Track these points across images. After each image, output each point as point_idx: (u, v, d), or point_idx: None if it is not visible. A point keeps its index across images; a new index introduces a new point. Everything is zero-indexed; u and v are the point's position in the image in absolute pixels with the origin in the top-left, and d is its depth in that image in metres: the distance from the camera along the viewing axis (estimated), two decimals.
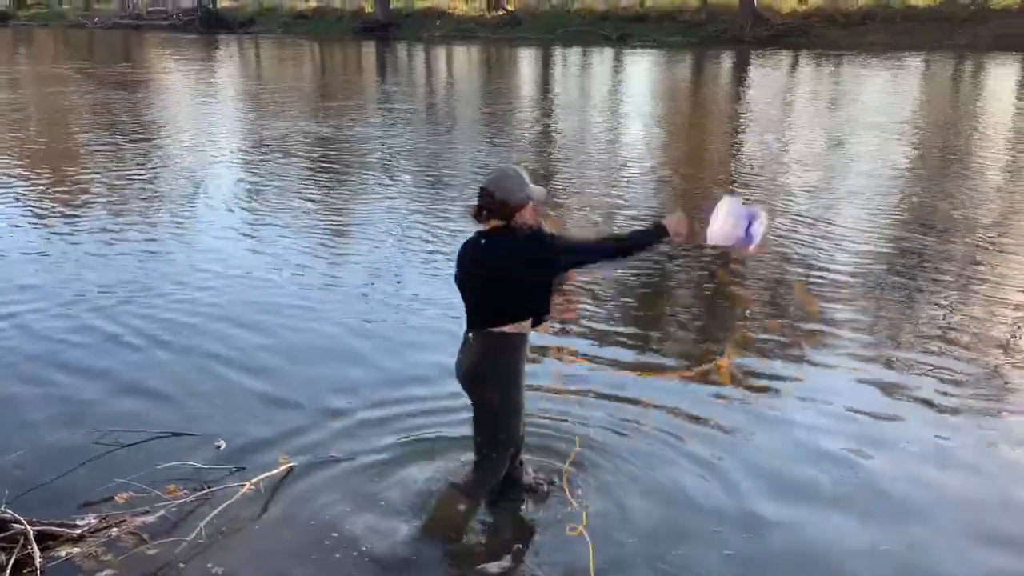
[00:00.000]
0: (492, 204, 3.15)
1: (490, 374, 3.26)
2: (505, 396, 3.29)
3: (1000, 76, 22.26)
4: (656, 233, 3.18)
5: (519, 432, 3.45)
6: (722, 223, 3.22)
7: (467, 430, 3.95)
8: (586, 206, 8.94)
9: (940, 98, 18.44)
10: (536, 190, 3.22)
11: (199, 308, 6.01)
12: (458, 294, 3.35)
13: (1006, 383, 4.86)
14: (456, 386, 3.42)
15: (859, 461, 4.03)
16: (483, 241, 3.22)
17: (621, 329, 5.65)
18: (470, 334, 3.29)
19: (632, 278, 6.55)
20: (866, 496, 3.78)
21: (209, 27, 43.15)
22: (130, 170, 10.71)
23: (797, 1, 34.11)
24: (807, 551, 3.44)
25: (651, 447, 4.13)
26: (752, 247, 3.22)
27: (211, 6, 47.32)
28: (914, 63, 24.22)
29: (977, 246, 7.41)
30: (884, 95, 18.46)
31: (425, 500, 3.66)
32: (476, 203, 3.21)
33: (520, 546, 3.43)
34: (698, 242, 3.00)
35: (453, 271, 3.36)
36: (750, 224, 3.18)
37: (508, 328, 3.21)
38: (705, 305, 6.21)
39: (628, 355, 5.24)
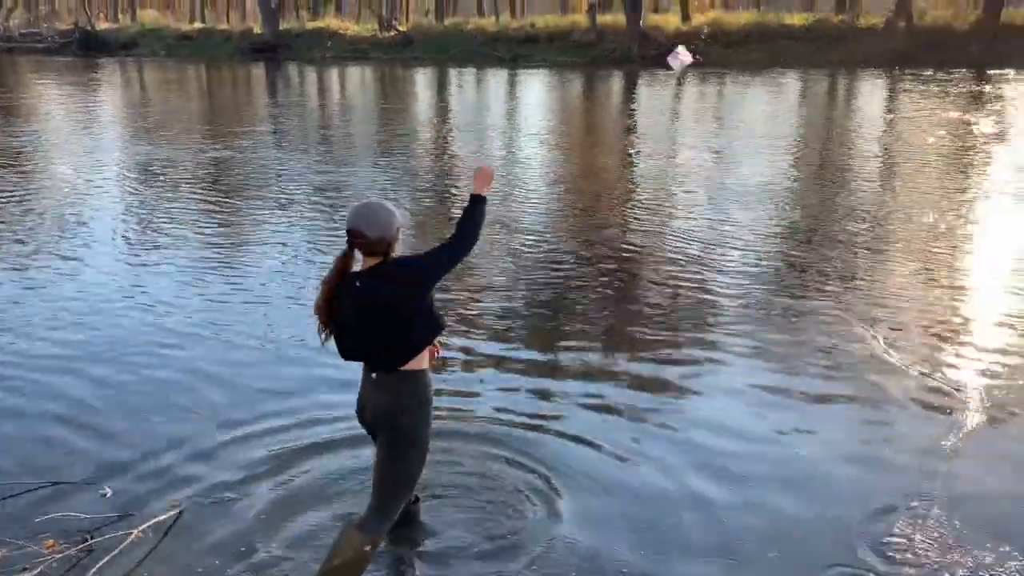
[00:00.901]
0: (367, 243, 3.07)
1: (410, 411, 3.15)
2: (423, 432, 3.21)
3: (869, 91, 23.60)
4: (473, 199, 3.20)
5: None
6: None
7: (351, 455, 3.88)
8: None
9: (817, 112, 19.40)
10: (400, 216, 3.18)
11: (68, 347, 5.75)
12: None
13: (879, 388, 5.11)
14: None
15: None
16: (358, 283, 3.10)
17: (514, 344, 5.70)
18: (374, 375, 3.19)
19: (525, 304, 6.64)
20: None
21: (88, 50, 41.53)
22: None
23: (680, 21, 35.33)
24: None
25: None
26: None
27: (89, 28, 45.49)
28: (792, 79, 25.43)
29: (855, 255, 7.79)
30: (765, 110, 19.31)
31: (319, 536, 3.58)
32: (346, 247, 3.10)
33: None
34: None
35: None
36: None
37: (413, 365, 3.14)
38: (597, 318, 6.32)
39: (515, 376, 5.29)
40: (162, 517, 3.73)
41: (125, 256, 7.99)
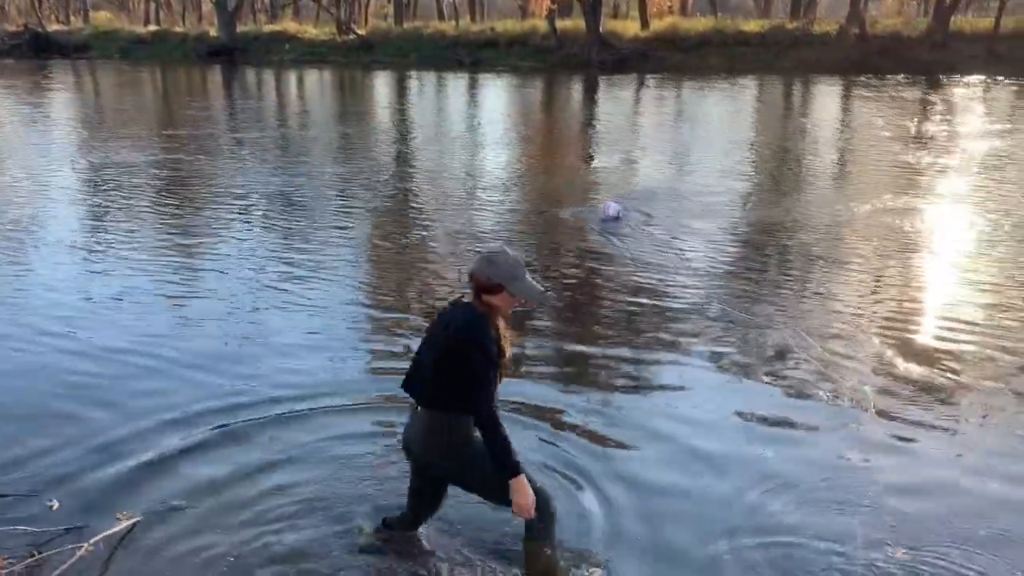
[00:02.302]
0: (470, 274, 3.13)
1: (440, 450, 3.16)
2: (465, 461, 3.16)
3: (822, 97, 24.01)
4: (505, 468, 3.05)
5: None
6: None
7: (310, 463, 3.86)
8: (448, 232, 8.94)
9: (772, 117, 19.68)
10: (526, 287, 3.07)
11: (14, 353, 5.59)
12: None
13: (837, 392, 5.18)
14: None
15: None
16: (449, 307, 3.17)
17: None
18: (419, 408, 3.18)
19: None
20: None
21: (38, 52, 40.62)
22: None
23: (639, 27, 35.62)
24: None
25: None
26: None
27: (40, 30, 44.51)
28: (749, 85, 25.77)
29: (812, 259, 7.90)
30: (723, 114, 19.54)
31: (272, 548, 3.53)
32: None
33: None
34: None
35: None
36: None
37: (456, 416, 3.09)
38: (562, 324, 6.32)
39: None
40: (115, 529, 3.63)
41: (74, 259, 7.81)
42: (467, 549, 3.54)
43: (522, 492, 3.05)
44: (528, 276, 3.10)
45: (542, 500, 3.16)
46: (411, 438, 3.23)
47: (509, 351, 3.15)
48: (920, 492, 4.04)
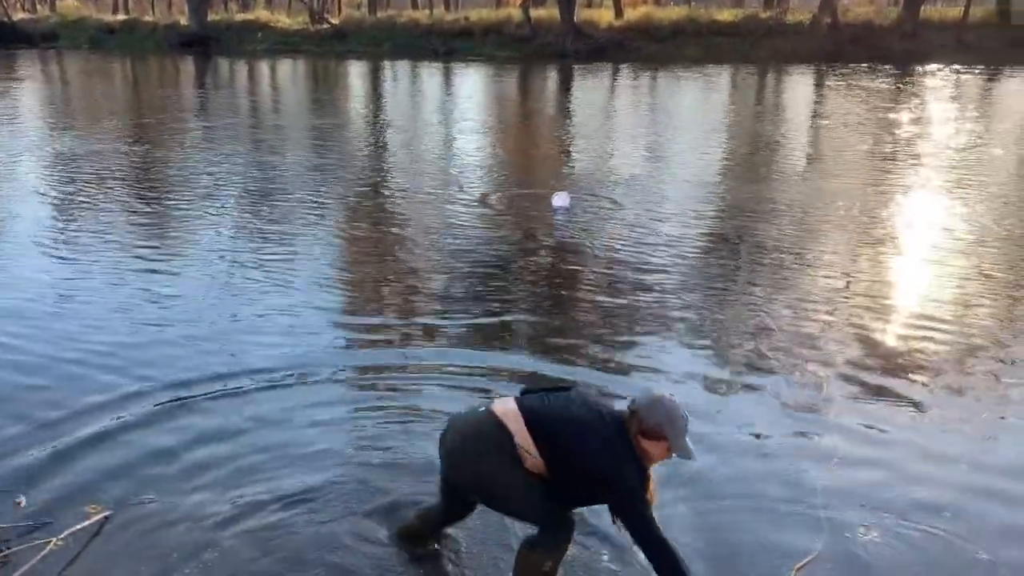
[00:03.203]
0: (631, 411, 2.94)
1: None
2: (501, 483, 3.03)
3: (796, 84, 24.17)
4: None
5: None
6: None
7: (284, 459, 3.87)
8: (417, 221, 8.93)
9: (747, 105, 19.78)
10: (683, 445, 2.89)
11: None
12: None
13: (816, 380, 5.24)
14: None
15: None
16: (585, 402, 3.03)
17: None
18: (483, 422, 3.02)
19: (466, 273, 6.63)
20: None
21: (4, 41, 39.82)
22: None
23: (613, 16, 35.60)
24: None
25: None
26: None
27: (5, 19, 43.66)
28: (722, 74, 25.87)
29: (784, 248, 7.97)
30: (697, 103, 19.61)
31: (250, 537, 3.52)
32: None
33: None
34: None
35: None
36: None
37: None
38: (549, 308, 6.33)
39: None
40: (85, 523, 3.60)
41: (45, 254, 7.71)
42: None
43: None
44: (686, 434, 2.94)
45: (558, 517, 3.03)
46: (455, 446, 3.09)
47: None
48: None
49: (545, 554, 3.00)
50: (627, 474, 2.87)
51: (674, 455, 2.92)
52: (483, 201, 9.88)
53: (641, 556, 2.99)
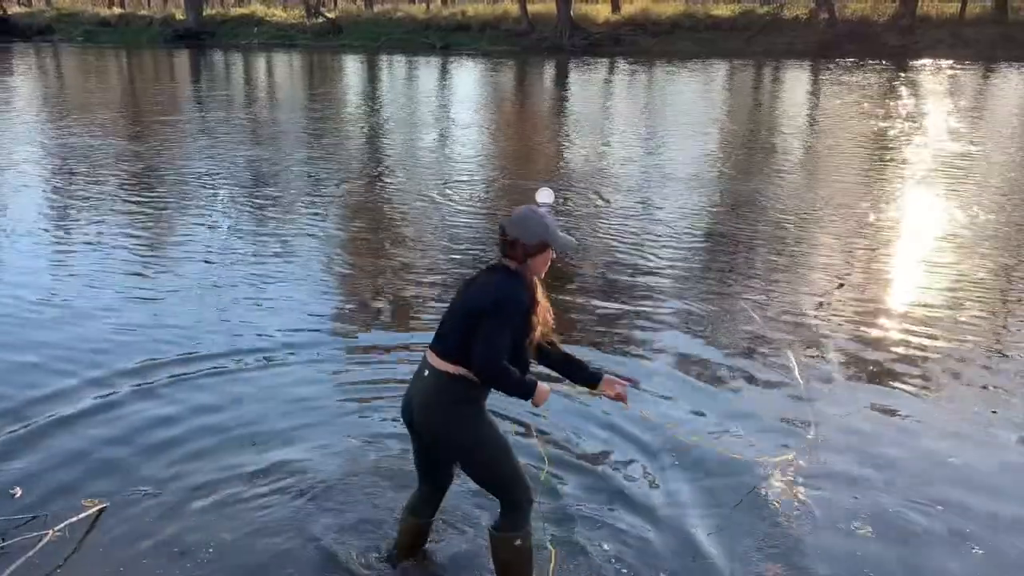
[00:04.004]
0: (505, 242, 2.95)
1: (440, 409, 2.96)
2: (471, 434, 2.99)
3: (793, 80, 24.16)
4: (521, 387, 2.93)
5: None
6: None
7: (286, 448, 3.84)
8: (419, 219, 8.92)
9: (744, 100, 19.77)
10: (564, 240, 2.99)
11: None
12: None
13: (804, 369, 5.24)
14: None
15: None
16: (482, 271, 3.04)
17: None
18: (425, 372, 2.99)
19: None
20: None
21: None
22: None
23: (610, 11, 35.55)
24: None
25: None
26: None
27: (0, 12, 43.50)
28: (719, 69, 25.85)
29: (778, 246, 7.96)
30: (694, 98, 19.59)
31: (244, 531, 3.52)
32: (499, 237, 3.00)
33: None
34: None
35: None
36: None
37: (456, 371, 2.92)
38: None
39: None
40: (81, 515, 3.58)
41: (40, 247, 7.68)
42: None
43: (542, 396, 2.95)
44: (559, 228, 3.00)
45: (521, 489, 3.05)
46: (412, 401, 3.04)
47: (551, 318, 3.06)
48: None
49: (511, 530, 3.04)
50: (503, 299, 2.86)
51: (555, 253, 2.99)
52: (476, 196, 9.86)
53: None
